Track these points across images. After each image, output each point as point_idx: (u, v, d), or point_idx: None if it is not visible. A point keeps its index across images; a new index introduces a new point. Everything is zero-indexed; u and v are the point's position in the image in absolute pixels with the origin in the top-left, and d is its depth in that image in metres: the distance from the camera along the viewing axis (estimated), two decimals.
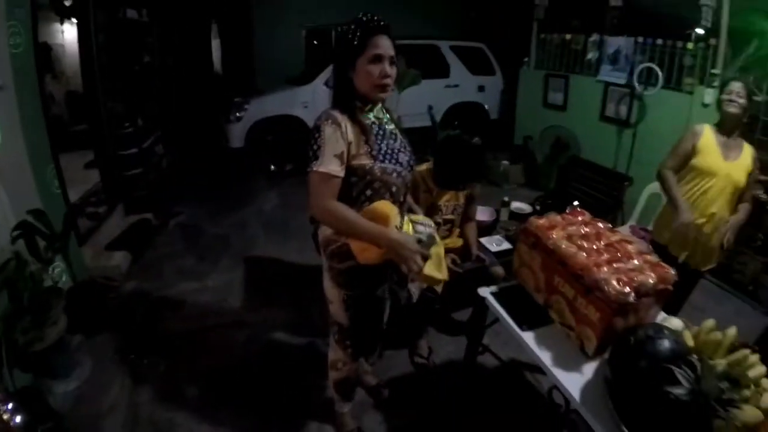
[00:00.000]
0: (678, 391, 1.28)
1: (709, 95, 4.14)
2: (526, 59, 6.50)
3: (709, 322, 1.60)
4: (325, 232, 1.85)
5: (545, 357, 1.72)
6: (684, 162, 2.69)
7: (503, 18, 7.86)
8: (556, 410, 1.81)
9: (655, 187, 3.61)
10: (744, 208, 2.67)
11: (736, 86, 2.58)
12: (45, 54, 3.36)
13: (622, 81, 5.01)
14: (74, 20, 4.14)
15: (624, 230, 3.74)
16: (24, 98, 2.83)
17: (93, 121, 4.38)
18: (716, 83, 4.14)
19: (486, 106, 7.80)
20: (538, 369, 1.71)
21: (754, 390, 1.41)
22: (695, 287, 2.89)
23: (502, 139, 6.99)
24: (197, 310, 3.48)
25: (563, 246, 1.77)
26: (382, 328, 2.13)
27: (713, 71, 4.23)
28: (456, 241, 2.91)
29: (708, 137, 2.65)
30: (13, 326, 2.20)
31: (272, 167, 6.62)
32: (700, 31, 4.30)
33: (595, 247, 1.78)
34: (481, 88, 7.72)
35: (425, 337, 3.01)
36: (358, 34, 1.66)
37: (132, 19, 5.28)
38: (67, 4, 3.98)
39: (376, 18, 1.69)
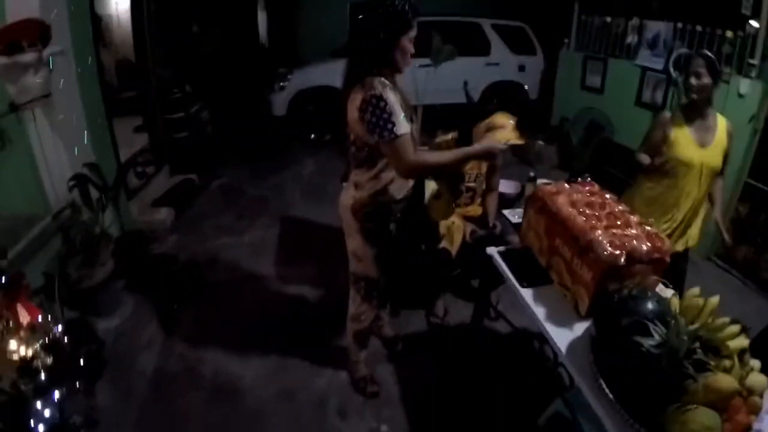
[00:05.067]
0: (648, 342, 1.34)
1: (745, 86, 4.01)
2: (566, 40, 6.41)
3: (694, 290, 1.66)
4: (358, 195, 2.07)
5: (540, 312, 1.83)
6: (657, 151, 2.62)
7: None
8: (545, 362, 1.93)
9: None
10: (718, 189, 2.69)
11: (698, 63, 2.45)
12: (96, 24, 3.58)
13: (660, 66, 4.90)
14: None
15: None
16: (81, 62, 3.09)
17: (143, 87, 4.65)
18: (753, 74, 4.03)
19: (525, 86, 7.71)
20: (544, 339, 1.83)
21: (737, 364, 1.44)
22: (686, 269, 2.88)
23: (540, 120, 6.96)
24: (233, 263, 3.76)
25: (565, 209, 1.87)
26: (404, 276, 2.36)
27: (751, 61, 4.08)
28: (476, 210, 3.03)
29: (679, 125, 2.57)
30: (66, 263, 2.47)
31: (312, 136, 6.85)
32: (755, 23, 4.10)
33: (596, 214, 1.86)
34: (521, 68, 7.62)
35: (442, 300, 3.16)
36: (408, 14, 1.85)
37: None
38: None
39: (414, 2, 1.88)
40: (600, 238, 1.68)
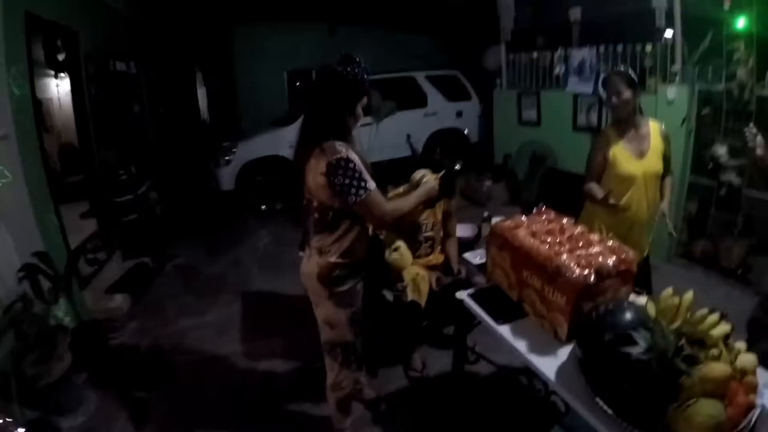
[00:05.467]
0: (636, 350, 1.35)
1: (672, 92, 4.30)
2: (498, 81, 6.73)
3: (667, 290, 1.70)
4: (323, 260, 2.04)
5: (521, 346, 1.82)
6: (602, 173, 2.71)
7: (474, 43, 8.08)
8: (537, 395, 1.91)
9: None
10: (667, 186, 2.77)
11: (614, 82, 2.56)
12: (37, 108, 3.52)
13: (589, 90, 5.17)
14: (67, 74, 4.35)
15: None
16: (24, 147, 3.02)
17: (88, 171, 4.55)
18: (677, 80, 4.34)
19: (465, 131, 8.02)
20: (530, 372, 1.83)
21: (724, 349, 1.49)
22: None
23: (484, 161, 7.20)
24: (198, 345, 3.60)
25: (527, 241, 1.92)
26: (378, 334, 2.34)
27: (673, 68, 4.40)
28: (438, 258, 3.05)
29: (614, 143, 2.64)
30: (21, 360, 2.31)
31: (263, 207, 6.82)
32: (668, 35, 4.45)
33: (558, 240, 1.91)
34: (459, 114, 7.96)
35: (418, 352, 3.11)
36: (364, 83, 1.94)
37: (121, 72, 5.50)
38: (60, 58, 4.17)
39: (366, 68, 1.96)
40: (566, 261, 1.72)
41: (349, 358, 2.24)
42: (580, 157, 3.01)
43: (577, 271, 1.68)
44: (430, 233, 2.99)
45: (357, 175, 1.85)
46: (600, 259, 1.74)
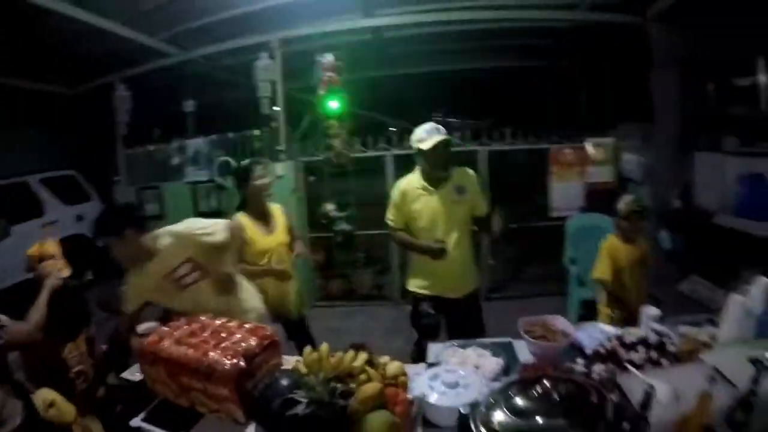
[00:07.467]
0: (300, 409, 1.59)
1: (279, 168, 4.97)
2: (117, 177, 6.43)
3: (306, 348, 2.05)
4: None
5: None
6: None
7: (91, 139, 7.46)
8: None
9: None
10: (299, 245, 3.40)
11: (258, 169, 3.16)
12: None
13: (206, 178, 5.51)
14: None
15: None
16: None
17: None
18: (283, 157, 5.08)
19: (88, 236, 7.07)
20: None
21: (372, 370, 1.90)
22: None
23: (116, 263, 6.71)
24: None
25: (174, 351, 1.98)
26: None
27: (278, 148, 5.14)
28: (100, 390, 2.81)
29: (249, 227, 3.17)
30: None
31: None
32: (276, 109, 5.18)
33: (202, 338, 2.05)
34: (79, 218, 7.11)
35: None
36: None
37: None
38: None
39: None
40: (216, 357, 1.88)
41: None
42: None
43: (228, 362, 1.84)
44: (80, 367, 2.74)
45: None
46: (243, 344, 1.96)
